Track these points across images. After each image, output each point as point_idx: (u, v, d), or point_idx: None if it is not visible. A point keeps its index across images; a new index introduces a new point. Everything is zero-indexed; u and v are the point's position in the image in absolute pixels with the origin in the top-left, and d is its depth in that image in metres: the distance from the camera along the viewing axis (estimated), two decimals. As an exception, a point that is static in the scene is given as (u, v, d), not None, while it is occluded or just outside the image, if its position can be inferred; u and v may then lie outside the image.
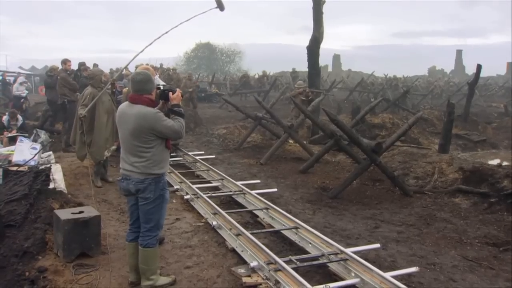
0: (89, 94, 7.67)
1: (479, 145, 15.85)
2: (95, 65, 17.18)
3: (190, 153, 10.62)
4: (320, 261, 4.92)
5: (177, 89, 4.38)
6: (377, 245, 5.40)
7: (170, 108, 4.25)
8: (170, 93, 4.26)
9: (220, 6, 6.02)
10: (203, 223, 6.32)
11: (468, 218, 6.89)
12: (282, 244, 5.69)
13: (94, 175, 7.99)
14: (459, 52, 76.52)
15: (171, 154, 10.05)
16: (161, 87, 4.35)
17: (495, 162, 8.47)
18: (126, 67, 12.18)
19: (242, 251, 5.20)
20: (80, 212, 5.11)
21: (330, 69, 68.18)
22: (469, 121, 18.11)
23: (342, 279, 4.60)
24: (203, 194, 7.12)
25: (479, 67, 17.95)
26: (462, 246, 5.85)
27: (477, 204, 7.40)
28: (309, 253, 5.20)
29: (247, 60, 76.72)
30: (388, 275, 4.40)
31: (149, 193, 4.17)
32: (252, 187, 7.87)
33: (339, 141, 9.09)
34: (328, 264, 4.89)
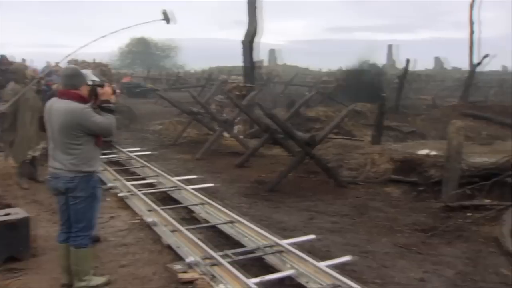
0: (12, 89, 7.32)
1: (409, 136, 16.39)
2: (23, 60, 16.51)
3: (124, 150, 10.40)
4: (256, 254, 4.96)
5: (107, 84, 4.27)
6: (312, 236, 5.49)
7: (98, 104, 4.13)
8: (99, 89, 4.14)
9: (167, 19, 5.88)
10: (138, 221, 6.22)
11: (399, 207, 7.15)
12: (219, 238, 5.68)
13: (19, 176, 7.63)
14: (390, 47, 78.79)
15: (105, 151, 9.84)
16: (91, 83, 4.22)
17: (423, 152, 8.78)
18: (57, 64, 11.77)
19: (178, 247, 5.15)
20: (7, 214, 4.90)
21: (266, 63, 68.58)
22: (400, 113, 18.73)
23: (278, 270, 4.65)
24: (138, 191, 7.01)
25: (407, 61, 18.65)
26: (393, 234, 6.05)
27: (407, 192, 7.69)
28: (245, 246, 5.22)
29: (182, 55, 75.98)
30: (322, 264, 4.49)
31: (80, 192, 4.04)
32: (188, 182, 7.80)
33: (274, 134, 9.17)
34: (264, 257, 4.92)
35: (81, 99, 4.04)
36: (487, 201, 6.71)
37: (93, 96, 4.16)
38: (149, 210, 6.23)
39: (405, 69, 19.28)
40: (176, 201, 7.11)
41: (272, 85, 29.79)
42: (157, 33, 75.44)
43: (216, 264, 4.52)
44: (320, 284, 4.25)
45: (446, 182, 7.20)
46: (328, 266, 4.48)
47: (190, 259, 4.71)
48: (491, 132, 18.22)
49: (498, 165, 7.30)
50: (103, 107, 4.12)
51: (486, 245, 5.63)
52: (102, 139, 4.22)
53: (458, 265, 5.10)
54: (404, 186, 7.87)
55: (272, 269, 4.74)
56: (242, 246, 5.28)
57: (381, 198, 7.54)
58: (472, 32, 26.94)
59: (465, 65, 29.20)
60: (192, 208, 6.66)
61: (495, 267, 5.08)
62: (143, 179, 8.26)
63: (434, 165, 7.90)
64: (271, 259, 4.87)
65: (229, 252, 4.86)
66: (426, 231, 6.09)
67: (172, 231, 5.43)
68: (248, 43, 15.73)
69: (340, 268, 4.79)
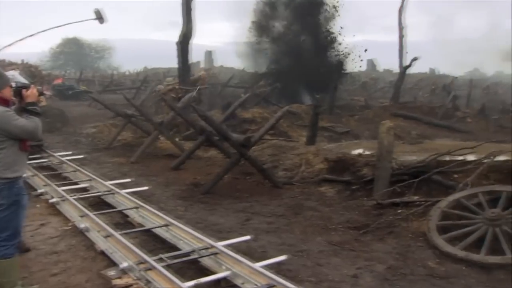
0: None
1: (343, 136, 16.82)
2: None
3: (56, 154, 10.07)
4: (192, 257, 4.93)
5: (32, 85, 4.12)
6: (248, 237, 5.52)
7: (23, 107, 3.97)
8: (24, 90, 3.99)
9: (100, 19, 5.73)
10: (70, 227, 6.04)
11: (333, 206, 7.30)
12: (154, 242, 5.61)
13: None
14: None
15: (35, 156, 9.50)
16: (14, 84, 4.06)
17: (356, 151, 9.03)
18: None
19: (112, 253, 5.04)
20: None
21: (202, 65, 68.32)
22: (334, 114, 19.17)
23: (213, 273, 4.65)
24: (70, 196, 6.81)
25: (340, 63, 19.14)
26: (327, 232, 6.18)
27: (341, 191, 7.86)
28: (181, 249, 5.18)
29: (117, 56, 74.47)
30: (257, 265, 4.53)
31: (2, 199, 3.86)
32: (123, 186, 7.66)
33: (209, 136, 9.15)
34: (200, 259, 4.91)
35: (3, 102, 3.87)
36: (415, 198, 6.96)
37: (18, 98, 4.01)
38: (82, 216, 6.07)
39: (339, 71, 19.75)
40: (110, 206, 6.96)
41: (208, 86, 29.69)
42: (90, 33, 73.63)
43: (151, 268, 4.46)
44: (256, 285, 4.28)
45: (377, 181, 7.43)
46: (263, 267, 4.52)
47: (124, 264, 4.63)
48: (420, 131, 19.02)
49: (425, 163, 7.61)
50: (28, 109, 3.97)
51: (415, 240, 5.85)
52: (28, 143, 4.06)
53: (389, 260, 5.27)
54: (338, 185, 8.04)
55: (207, 272, 4.73)
56: (177, 249, 5.23)
57: (316, 197, 7.68)
58: (401, 36, 27.97)
59: (396, 67, 30.15)
60: (127, 212, 6.55)
61: (423, 260, 5.29)
62: (76, 184, 8.02)
63: (366, 165, 8.13)
64: (207, 262, 4.86)
65: (164, 256, 4.80)
66: (359, 228, 6.26)
67: (106, 236, 5.32)
68: (183, 45, 15.64)
69: (276, 268, 4.85)
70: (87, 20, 5.50)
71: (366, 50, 26.36)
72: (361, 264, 5.16)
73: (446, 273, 5.01)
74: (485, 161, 7.24)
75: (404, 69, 26.69)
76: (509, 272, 4.96)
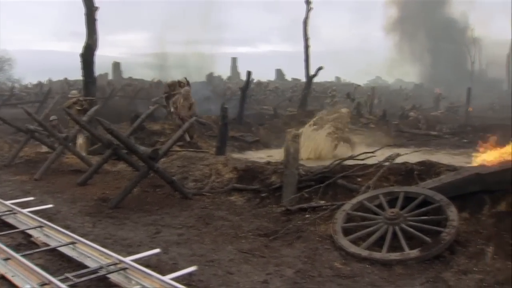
0: None
1: (253, 145, 17.13)
2: None
3: None
4: (100, 274, 4.80)
5: None
6: (157, 250, 5.47)
7: None
8: None
9: None
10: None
11: (243, 214, 7.39)
12: (60, 262, 5.39)
13: None
14: (234, 60, 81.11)
15: None
16: None
17: (265, 160, 9.25)
18: None
19: (13, 276, 4.80)
20: None
21: (110, 77, 66.67)
22: (244, 123, 19.43)
23: (123, 289, 4.57)
24: (-35, 219, 6.41)
25: (249, 73, 19.46)
26: (238, 240, 6.24)
27: (250, 200, 7.97)
28: (88, 267, 5.04)
29: (19, 68, 70.73)
30: (167, 278, 4.50)
31: None
32: (25, 205, 7.31)
33: (117, 150, 8.96)
34: (109, 276, 4.79)
35: None
36: (322, 202, 7.22)
37: None
38: (-22, 240, 5.73)
39: (247, 81, 20.07)
40: (11, 226, 6.61)
41: (116, 99, 29.02)
42: (-13, 44, 69.51)
43: (56, 289, 4.30)
44: (166, 297, 4.26)
45: (285, 188, 7.63)
46: (173, 279, 4.51)
47: (26, 287, 4.43)
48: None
49: (330, 169, 7.92)
50: None
51: (322, 243, 6.06)
52: None
53: (297, 264, 5.43)
54: (247, 193, 8.14)
55: (117, 288, 4.64)
56: (85, 267, 5.08)
57: (226, 207, 7.74)
58: (307, 46, 28.91)
59: (303, 77, 31.11)
60: (30, 232, 6.25)
61: (330, 262, 5.50)
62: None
63: (274, 172, 8.32)
64: (116, 278, 4.75)
65: (70, 275, 4.64)
66: (268, 235, 6.39)
67: (6, 259, 5.05)
68: (87, 56, 15.22)
69: (188, 279, 4.85)
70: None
71: None
72: (271, 270, 5.27)
73: (351, 273, 5.24)
74: (385, 164, 7.66)
75: (310, 78, 27.59)
76: (408, 267, 5.29)
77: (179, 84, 15.83)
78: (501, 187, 6.12)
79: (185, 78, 16.96)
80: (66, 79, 33.05)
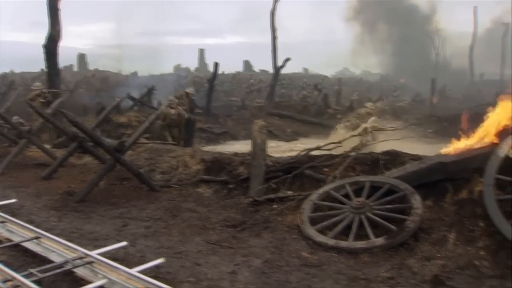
0: None
1: (221, 137, 17.14)
2: None
3: None
4: (65, 268, 4.75)
5: None
6: (124, 243, 5.43)
7: None
8: None
9: None
10: None
11: (211, 205, 7.38)
12: (24, 257, 5.29)
13: None
14: (201, 51, 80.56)
15: None
16: None
17: (232, 151, 9.27)
18: None
19: (-26, 273, 4.70)
20: None
21: (76, 68, 65.52)
22: (211, 115, 19.39)
23: (89, 282, 4.52)
24: None
25: (216, 65, 19.39)
26: (205, 232, 6.24)
27: (218, 191, 7.97)
28: (53, 262, 4.97)
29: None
30: (134, 270, 4.48)
31: None
32: (-13, 200, 7.15)
33: (82, 143, 8.83)
34: (74, 270, 4.74)
35: None
36: (289, 192, 7.27)
37: None
38: None
39: (214, 72, 20.00)
40: (-29, 224, 6.46)
41: (81, 91, 28.55)
42: None
43: (19, 285, 4.23)
44: (133, 290, 4.23)
45: (253, 178, 7.65)
46: (140, 271, 4.48)
47: (-11, 283, 4.35)
48: (295, 129, 19.90)
49: (298, 159, 7.98)
50: None
51: (289, 233, 6.11)
52: None
53: (265, 254, 5.46)
54: (215, 185, 8.13)
55: (83, 282, 4.58)
56: (50, 262, 5.01)
57: (194, 198, 7.72)
58: (274, 38, 28.94)
59: (270, 68, 31.14)
60: (-9, 228, 6.12)
61: (297, 251, 5.56)
62: None
63: (242, 163, 8.33)
64: (82, 272, 4.70)
65: (34, 270, 4.56)
66: (236, 226, 6.41)
67: (-34, 256, 4.95)
68: (51, 47, 14.89)
69: (155, 271, 4.83)
70: None
71: None
72: (239, 260, 5.29)
73: (318, 261, 5.30)
74: (351, 154, 7.76)
75: (277, 69, 27.66)
76: (374, 254, 5.39)
77: (186, 95, 15.68)
78: (463, 175, 6.27)
79: (191, 89, 16.88)
80: (42, 70, 32.05)
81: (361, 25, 61.28)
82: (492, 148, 6.00)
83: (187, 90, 16.32)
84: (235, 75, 49.01)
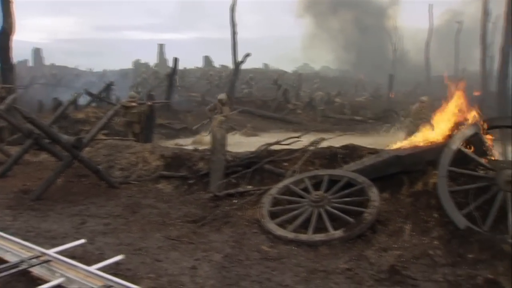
0: None
1: (181, 132, 17.04)
2: None
3: None
4: (20, 268, 4.64)
5: None
6: (82, 241, 5.34)
7: None
8: None
9: None
10: None
11: (171, 201, 7.36)
12: (-23, 259, 5.17)
13: None
14: (161, 46, 79.72)
15: None
16: None
17: (191, 147, 9.24)
18: None
19: None
20: None
21: (30, 63, 63.98)
22: (171, 110, 19.25)
23: (46, 281, 4.43)
24: None
25: (176, 60, 19.27)
26: (166, 228, 6.21)
27: (178, 187, 7.95)
28: (8, 261, 4.85)
29: None
30: (93, 268, 4.42)
31: None
32: None
33: (38, 139, 8.62)
34: (31, 269, 4.64)
35: None
36: (249, 187, 7.31)
37: None
38: None
39: (174, 68, 19.85)
40: None
41: (37, 86, 27.92)
42: None
43: (-28, 286, 4.13)
44: (92, 288, 4.18)
45: (213, 174, 7.66)
46: (99, 269, 4.43)
47: None
48: (255, 124, 19.97)
49: (257, 154, 8.03)
50: None
51: (250, 227, 6.14)
52: None
53: (226, 249, 5.47)
54: (175, 181, 8.11)
55: (40, 281, 4.49)
56: (4, 262, 4.88)
57: (154, 194, 7.67)
58: (234, 33, 28.91)
59: (230, 63, 31.12)
60: None
61: (257, 245, 5.59)
62: None
63: (202, 159, 8.33)
64: (38, 271, 4.61)
65: (-13, 271, 4.46)
66: (196, 221, 6.40)
67: None
68: (3, 41, 14.47)
69: (114, 268, 4.78)
70: None
71: None
72: (199, 256, 5.29)
73: (278, 255, 5.35)
74: (310, 148, 7.85)
75: (237, 64, 27.66)
76: (332, 246, 5.49)
77: (219, 102, 15.75)
78: (418, 168, 6.45)
79: (223, 95, 16.84)
80: None
81: (314, 20, 61.74)
82: (445, 142, 6.18)
83: (219, 97, 16.27)
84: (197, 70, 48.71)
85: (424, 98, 15.16)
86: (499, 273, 4.71)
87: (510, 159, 5.92)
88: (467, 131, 5.99)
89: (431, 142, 6.60)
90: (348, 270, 4.93)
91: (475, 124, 5.98)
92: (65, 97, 18.53)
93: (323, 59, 67.66)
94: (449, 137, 6.24)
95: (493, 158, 6.02)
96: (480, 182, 5.81)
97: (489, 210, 5.51)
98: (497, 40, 27.46)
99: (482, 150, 5.99)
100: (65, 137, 8.11)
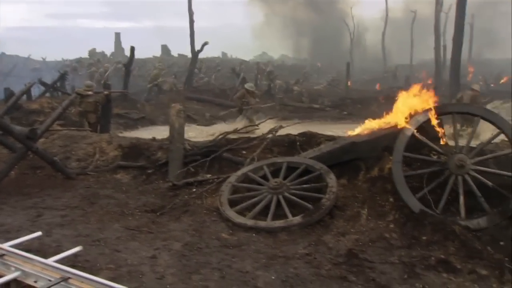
0: None
1: (139, 122, 16.84)
2: None
3: None
4: (-27, 263, 4.53)
5: None
6: (39, 233, 5.21)
7: None
8: None
9: None
10: None
11: (129, 191, 7.30)
12: None
13: None
14: (117, 35, 78.08)
15: None
16: None
17: (149, 136, 9.16)
18: None
19: None
20: None
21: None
22: (129, 100, 18.97)
23: (1, 276, 4.34)
24: None
25: (132, 49, 18.98)
26: (124, 218, 6.18)
27: (136, 177, 7.90)
28: (-40, 257, 4.72)
29: None
30: (50, 260, 4.34)
31: None
32: None
33: (-11, 131, 8.37)
34: (-17, 265, 4.54)
35: None
36: (208, 176, 7.32)
37: None
38: None
39: (131, 57, 19.56)
40: None
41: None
42: None
43: None
44: (49, 280, 4.11)
45: (171, 163, 7.63)
46: (57, 261, 4.36)
47: None
48: (214, 113, 19.88)
49: (215, 143, 8.03)
50: None
51: (209, 216, 6.18)
52: None
53: (185, 237, 5.49)
54: (133, 171, 8.05)
55: (-5, 276, 4.40)
56: (-44, 258, 4.76)
57: (112, 185, 7.59)
58: (192, 21, 28.58)
59: (188, 52, 30.77)
60: None
61: (217, 233, 5.64)
62: None
63: (160, 148, 8.28)
64: (-7, 265, 4.51)
65: None
66: (155, 211, 6.40)
67: None
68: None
69: (73, 260, 4.72)
70: None
71: None
72: (159, 245, 5.28)
73: (238, 242, 5.40)
74: (268, 136, 7.90)
75: (195, 53, 27.41)
76: (291, 232, 5.57)
77: (247, 91, 15.87)
78: (374, 154, 6.59)
79: (250, 85, 16.98)
80: None
81: (266, 7, 61.66)
82: (399, 128, 6.33)
83: (246, 87, 16.23)
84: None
85: (476, 86, 14.76)
86: (450, 253, 4.90)
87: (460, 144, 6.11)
88: (420, 117, 6.14)
89: (386, 129, 6.73)
90: (307, 255, 5.02)
91: (428, 110, 6.13)
92: (17, 87, 18.02)
93: (280, 47, 67.80)
94: (404, 123, 6.38)
95: (445, 143, 6.20)
96: (433, 167, 5.99)
97: (442, 193, 5.69)
98: (449, 29, 28.13)
99: (435, 136, 6.16)
100: (18, 128, 7.89)
